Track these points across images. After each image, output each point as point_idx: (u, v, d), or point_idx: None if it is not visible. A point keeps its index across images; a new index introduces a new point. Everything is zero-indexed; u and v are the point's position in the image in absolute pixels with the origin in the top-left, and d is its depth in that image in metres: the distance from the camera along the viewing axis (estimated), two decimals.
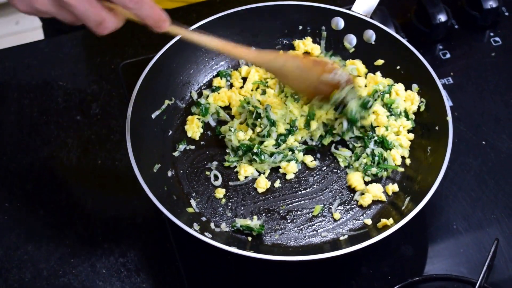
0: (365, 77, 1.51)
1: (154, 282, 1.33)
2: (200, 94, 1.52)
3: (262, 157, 1.39)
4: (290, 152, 1.42)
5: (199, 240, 1.22)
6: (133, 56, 1.62)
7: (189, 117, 1.47)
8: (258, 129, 1.41)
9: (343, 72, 1.33)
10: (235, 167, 1.41)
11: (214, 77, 1.54)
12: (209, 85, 1.53)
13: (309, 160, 1.42)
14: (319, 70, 1.33)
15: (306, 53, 1.54)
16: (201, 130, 1.46)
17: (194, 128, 1.45)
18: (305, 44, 1.55)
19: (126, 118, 1.34)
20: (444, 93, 1.38)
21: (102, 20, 1.09)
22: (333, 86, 1.33)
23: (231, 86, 1.53)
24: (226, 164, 1.41)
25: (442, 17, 1.60)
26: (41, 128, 1.53)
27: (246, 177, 1.40)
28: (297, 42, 1.56)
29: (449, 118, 1.34)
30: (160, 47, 1.45)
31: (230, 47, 1.32)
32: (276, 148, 1.41)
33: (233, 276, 1.33)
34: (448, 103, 1.38)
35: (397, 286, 1.28)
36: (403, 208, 1.31)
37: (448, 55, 1.62)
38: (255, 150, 1.39)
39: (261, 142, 1.41)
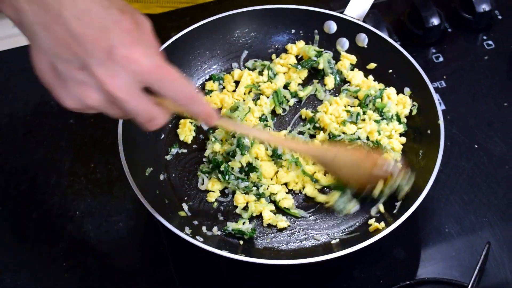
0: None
1: (147, 286, 1.33)
2: None
3: (227, 177, 1.37)
4: (255, 188, 1.37)
5: (192, 244, 1.22)
6: None
7: (182, 121, 1.47)
8: (225, 146, 1.39)
9: (394, 165, 1.31)
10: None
11: (206, 80, 1.54)
12: (201, 88, 1.53)
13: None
14: (371, 163, 1.30)
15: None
16: (194, 134, 1.46)
17: (186, 131, 1.45)
18: (298, 47, 1.55)
19: (118, 123, 1.34)
20: (436, 97, 1.38)
21: (153, 117, 1.02)
22: (383, 177, 1.31)
23: (223, 89, 1.53)
24: (198, 173, 1.40)
25: (435, 20, 1.60)
26: (35, 130, 1.53)
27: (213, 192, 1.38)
28: (289, 46, 1.56)
29: (441, 122, 1.35)
30: None
31: (280, 140, 1.34)
32: (243, 174, 1.38)
33: (225, 280, 1.33)
34: (440, 106, 1.38)
35: None
36: (394, 211, 1.31)
37: (441, 59, 1.62)
38: (222, 168, 1.36)
39: (228, 161, 1.38)
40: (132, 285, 1.32)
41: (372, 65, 1.52)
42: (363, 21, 1.51)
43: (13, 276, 1.33)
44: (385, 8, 1.65)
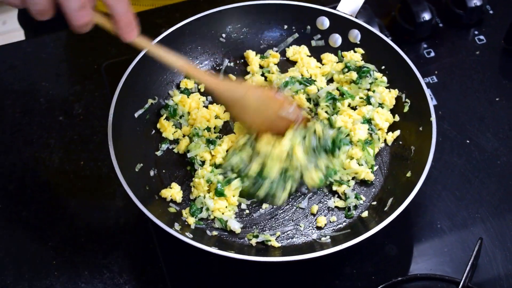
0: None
1: (137, 283, 1.32)
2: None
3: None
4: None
5: (183, 241, 1.21)
6: (116, 56, 1.61)
7: (160, 119, 1.45)
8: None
9: (299, 110, 1.32)
10: None
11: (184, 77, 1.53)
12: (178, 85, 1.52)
13: None
14: (278, 104, 1.31)
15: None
16: (177, 130, 1.44)
17: (167, 130, 1.44)
18: (300, 52, 1.55)
19: (108, 117, 1.33)
20: (428, 93, 1.37)
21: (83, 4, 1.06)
22: (288, 122, 1.31)
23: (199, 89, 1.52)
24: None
25: (426, 16, 1.59)
26: (24, 128, 1.52)
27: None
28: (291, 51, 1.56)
29: (433, 119, 1.34)
30: None
31: (194, 70, 1.30)
32: None
33: (216, 276, 1.32)
34: (432, 102, 1.37)
35: (381, 286, 1.27)
36: (386, 208, 1.30)
37: (432, 54, 1.62)
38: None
39: None
40: (122, 283, 1.31)
41: (360, 51, 1.51)
42: (356, 17, 1.50)
43: (2, 275, 1.32)
44: (377, 3, 1.64)
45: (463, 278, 1.23)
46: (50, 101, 1.56)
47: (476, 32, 1.65)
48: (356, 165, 1.36)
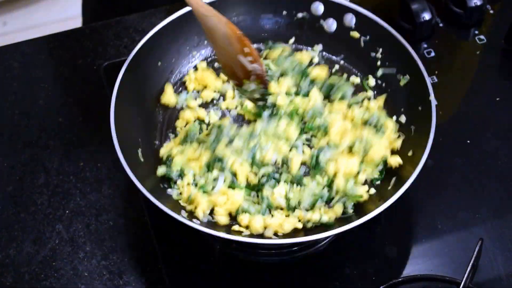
0: None
1: (137, 285, 1.32)
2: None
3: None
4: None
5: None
6: (116, 56, 1.61)
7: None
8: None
9: (256, 65, 1.26)
10: None
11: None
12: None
13: None
14: (238, 48, 1.26)
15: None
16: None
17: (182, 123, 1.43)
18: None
19: (110, 119, 1.30)
20: (425, 72, 1.35)
21: None
22: (246, 72, 1.27)
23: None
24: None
25: (426, 15, 1.59)
26: (23, 130, 1.52)
27: None
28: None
29: (432, 98, 1.32)
30: None
31: None
32: None
33: (218, 280, 1.32)
34: (429, 80, 1.35)
35: (382, 287, 1.27)
36: (389, 188, 1.29)
37: (432, 54, 1.61)
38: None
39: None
40: (122, 285, 1.31)
41: (357, 34, 1.50)
42: (350, 1, 1.48)
43: (1, 277, 1.32)
44: (376, 3, 1.64)
45: (464, 279, 1.23)
46: (49, 102, 1.55)
47: (476, 32, 1.65)
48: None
